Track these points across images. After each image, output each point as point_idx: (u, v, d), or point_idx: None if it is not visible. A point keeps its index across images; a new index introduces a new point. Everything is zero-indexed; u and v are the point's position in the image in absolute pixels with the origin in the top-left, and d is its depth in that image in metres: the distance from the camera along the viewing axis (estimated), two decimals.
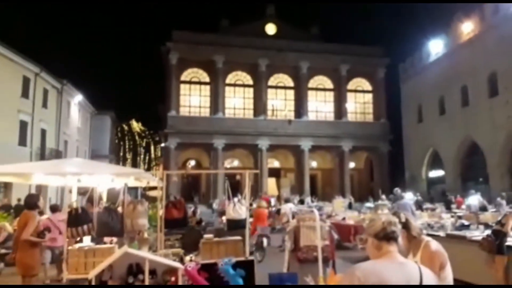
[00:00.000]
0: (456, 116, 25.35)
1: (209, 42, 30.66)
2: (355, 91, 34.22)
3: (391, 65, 33.54)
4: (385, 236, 2.09)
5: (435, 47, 27.66)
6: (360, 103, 34.37)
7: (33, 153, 22.54)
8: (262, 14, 33.40)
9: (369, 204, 19.67)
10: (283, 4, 53.93)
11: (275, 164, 35.50)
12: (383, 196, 18.53)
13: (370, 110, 34.18)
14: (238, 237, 5.37)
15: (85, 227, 5.76)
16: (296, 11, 55.66)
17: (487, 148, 22.62)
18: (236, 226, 6.46)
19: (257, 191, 28.05)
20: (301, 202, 24.01)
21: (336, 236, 7.12)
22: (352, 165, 34.23)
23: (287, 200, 11.72)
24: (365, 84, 34.31)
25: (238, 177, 10.74)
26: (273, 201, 18.80)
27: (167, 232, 6.74)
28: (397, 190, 11.31)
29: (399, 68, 32.45)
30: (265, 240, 9.87)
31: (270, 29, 33.13)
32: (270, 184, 31.57)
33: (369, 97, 34.44)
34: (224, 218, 18.21)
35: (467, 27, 24.55)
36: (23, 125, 21.89)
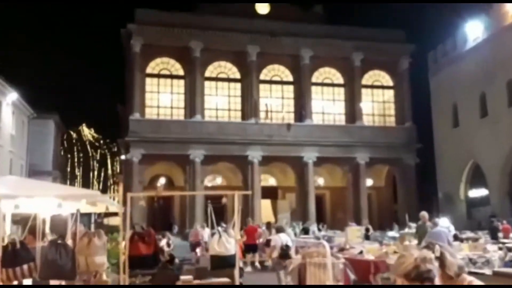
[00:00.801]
0: (503, 118, 25.70)
1: (183, 23, 30.77)
2: (372, 86, 34.60)
3: (417, 53, 34.04)
4: (419, 276, 2.14)
5: (474, 30, 28.18)
6: (379, 102, 34.74)
7: None
8: None
9: (393, 233, 19.74)
10: None
11: (270, 181, 35.40)
12: (411, 223, 18.67)
13: (392, 111, 34.54)
14: (226, 279, 5.39)
15: (25, 267, 5.72)
16: None
17: None
18: (222, 264, 6.38)
19: (247, 217, 27.98)
20: (305, 231, 24.08)
21: (352, 276, 7.16)
22: (369, 182, 34.32)
23: (279, 230, 11.70)
24: (384, 78, 34.72)
25: (224, 199, 10.69)
26: (262, 230, 18.77)
27: (132, 273, 6.72)
28: (424, 214, 11.45)
29: (427, 57, 32.94)
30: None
31: (262, 7, 33.42)
32: (264, 207, 31.49)
33: (389, 94, 34.84)
34: (198, 251, 18.21)
35: None
36: None
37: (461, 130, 29.26)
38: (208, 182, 33.47)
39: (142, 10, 30.85)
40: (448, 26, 33.93)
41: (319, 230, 26.45)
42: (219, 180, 35.12)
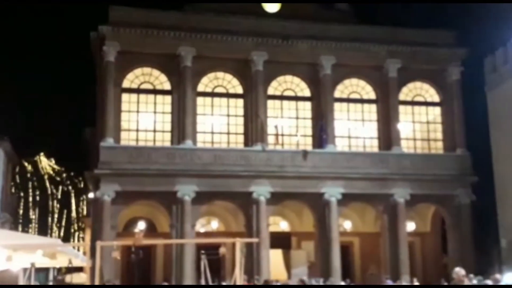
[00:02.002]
0: None
1: (170, 25, 31.16)
2: (413, 103, 34.68)
3: (470, 60, 34.19)
4: None
5: None
6: (422, 122, 34.77)
7: None
8: None
9: None
10: None
11: (282, 226, 35.18)
12: (466, 280, 18.44)
13: (439, 134, 34.51)
14: None
15: None
16: None
17: None
18: None
19: (251, 273, 27.82)
20: None
21: None
22: (411, 226, 34.01)
23: None
24: (428, 92, 34.83)
25: (222, 249, 10.68)
26: None
27: None
28: (459, 271, 11.38)
29: (484, 64, 33.09)
30: None
31: (271, 4, 33.78)
32: (274, 259, 31.35)
33: (435, 113, 34.88)
34: None
35: None
36: None
37: None
38: (200, 227, 33.33)
39: (117, 8, 31.16)
40: (509, 25, 34.07)
41: None
42: (215, 225, 34.99)
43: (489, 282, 11.70)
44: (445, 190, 32.09)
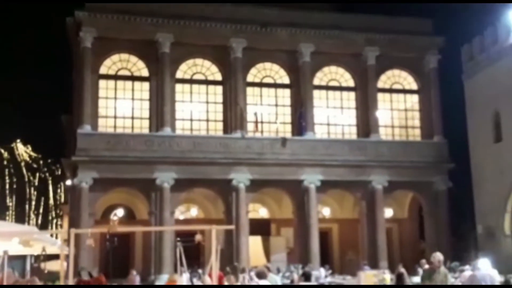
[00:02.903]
0: None
1: (147, 11, 30.80)
2: (391, 90, 34.78)
3: (448, 48, 34.36)
4: None
5: None
6: (400, 110, 34.91)
7: None
8: None
9: (418, 279, 19.52)
10: None
11: (261, 213, 35.20)
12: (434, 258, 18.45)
13: (416, 121, 34.72)
14: None
15: None
16: None
17: None
18: None
19: (230, 260, 27.73)
20: (306, 277, 23.79)
21: None
22: (389, 213, 34.22)
23: (260, 275, 11.40)
24: (406, 80, 34.94)
25: (198, 236, 10.54)
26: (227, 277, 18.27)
27: None
28: (439, 256, 11.20)
29: (461, 53, 33.21)
30: None
31: None
32: (253, 247, 31.30)
33: (413, 100, 35.04)
34: None
35: None
36: None
37: (505, 145, 29.34)
38: (180, 214, 33.21)
39: None
40: (486, 13, 34.29)
41: (326, 276, 26.25)
42: (194, 212, 34.94)
43: (443, 270, 11.59)
44: (423, 177, 32.31)
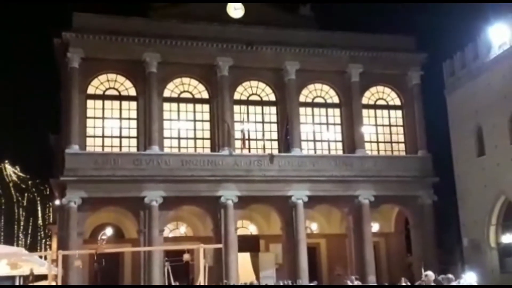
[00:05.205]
0: None
1: (134, 31, 30.75)
2: (375, 106, 34.85)
3: (430, 64, 34.61)
4: None
5: (499, 35, 28.61)
6: (384, 125, 34.95)
7: None
8: None
9: None
10: None
11: (250, 229, 34.91)
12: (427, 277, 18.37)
13: (401, 137, 34.75)
14: None
15: None
16: None
17: None
18: None
19: (220, 277, 27.45)
20: None
21: None
22: (375, 227, 34.12)
23: None
24: (390, 96, 35.07)
25: (186, 256, 10.38)
26: None
27: None
28: (430, 275, 11.23)
29: (443, 68, 33.43)
30: None
31: (236, 10, 33.69)
32: (243, 264, 31.06)
33: (397, 116, 35.10)
34: None
35: None
36: None
37: (488, 159, 29.45)
38: (169, 232, 32.95)
39: (81, 14, 30.71)
40: (467, 30, 34.56)
41: None
42: (183, 230, 34.72)
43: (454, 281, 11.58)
44: (408, 191, 32.35)
